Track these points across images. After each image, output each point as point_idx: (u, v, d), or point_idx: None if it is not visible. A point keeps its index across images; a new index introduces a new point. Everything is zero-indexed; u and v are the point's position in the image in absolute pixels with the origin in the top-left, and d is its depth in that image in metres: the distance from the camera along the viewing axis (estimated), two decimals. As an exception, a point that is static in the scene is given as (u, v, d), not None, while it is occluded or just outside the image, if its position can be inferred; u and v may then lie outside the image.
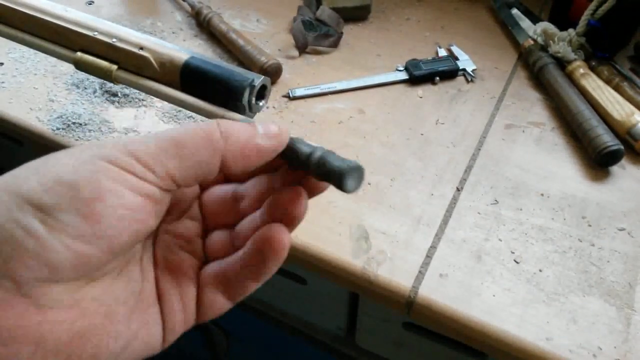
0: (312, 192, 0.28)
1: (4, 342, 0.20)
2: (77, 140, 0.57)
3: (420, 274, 0.47)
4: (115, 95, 0.62)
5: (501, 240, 0.50)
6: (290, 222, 0.27)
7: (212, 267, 0.28)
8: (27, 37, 0.34)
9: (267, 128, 0.26)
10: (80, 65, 0.33)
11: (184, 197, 0.30)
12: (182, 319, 0.27)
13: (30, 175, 0.22)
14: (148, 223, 0.24)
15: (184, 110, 0.59)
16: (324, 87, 0.64)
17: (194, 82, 0.31)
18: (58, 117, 0.58)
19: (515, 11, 0.75)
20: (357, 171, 0.25)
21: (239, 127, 0.25)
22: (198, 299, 0.28)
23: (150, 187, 0.23)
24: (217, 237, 0.29)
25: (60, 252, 0.21)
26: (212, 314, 0.28)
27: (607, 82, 0.62)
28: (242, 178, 0.30)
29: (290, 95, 0.63)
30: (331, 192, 0.28)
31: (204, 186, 0.31)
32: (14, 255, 0.21)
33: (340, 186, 0.25)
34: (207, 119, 0.28)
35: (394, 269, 0.47)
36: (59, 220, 0.21)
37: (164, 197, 0.24)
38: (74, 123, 0.58)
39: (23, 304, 0.21)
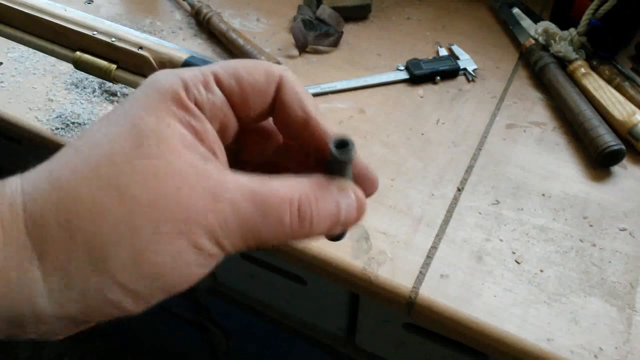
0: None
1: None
2: (76, 139, 0.56)
3: (421, 275, 0.47)
4: (114, 94, 0.62)
5: (502, 241, 0.50)
6: None
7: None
8: (26, 36, 0.34)
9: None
10: (79, 65, 0.33)
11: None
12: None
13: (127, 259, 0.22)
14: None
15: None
16: (324, 87, 0.64)
17: (194, 81, 0.31)
18: (57, 117, 0.58)
19: (516, 10, 0.74)
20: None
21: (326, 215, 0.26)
22: None
23: (212, 262, 0.24)
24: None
25: None
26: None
27: (609, 81, 0.62)
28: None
29: (291, 94, 0.63)
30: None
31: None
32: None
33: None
34: None
35: (395, 270, 0.47)
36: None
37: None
38: (73, 123, 0.58)
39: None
